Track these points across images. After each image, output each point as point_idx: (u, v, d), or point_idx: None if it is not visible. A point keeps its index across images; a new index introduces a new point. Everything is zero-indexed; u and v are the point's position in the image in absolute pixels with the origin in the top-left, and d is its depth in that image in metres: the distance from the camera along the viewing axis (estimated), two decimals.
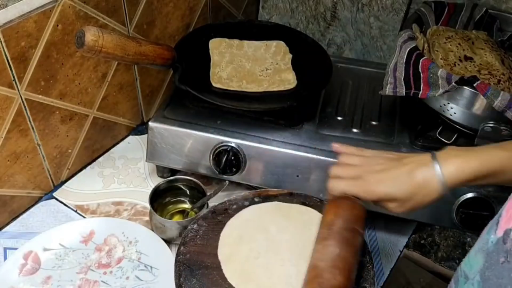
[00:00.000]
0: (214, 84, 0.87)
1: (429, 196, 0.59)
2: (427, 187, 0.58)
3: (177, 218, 0.86)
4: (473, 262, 0.47)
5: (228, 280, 0.67)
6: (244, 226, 0.75)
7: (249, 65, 0.92)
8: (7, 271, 0.74)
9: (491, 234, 0.45)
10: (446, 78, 0.72)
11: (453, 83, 0.71)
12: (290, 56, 0.95)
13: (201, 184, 0.84)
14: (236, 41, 0.97)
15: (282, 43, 0.98)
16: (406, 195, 0.59)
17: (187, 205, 0.88)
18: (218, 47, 0.95)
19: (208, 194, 0.82)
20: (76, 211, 0.87)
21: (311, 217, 0.77)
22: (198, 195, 0.85)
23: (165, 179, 0.86)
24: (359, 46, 1.20)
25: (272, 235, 0.74)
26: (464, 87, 0.72)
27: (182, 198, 0.89)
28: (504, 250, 0.42)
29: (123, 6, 0.88)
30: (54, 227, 0.81)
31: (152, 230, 0.82)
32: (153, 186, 0.84)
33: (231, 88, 0.86)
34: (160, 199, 0.86)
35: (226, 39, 0.97)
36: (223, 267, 0.69)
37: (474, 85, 0.71)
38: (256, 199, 0.79)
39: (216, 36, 0.98)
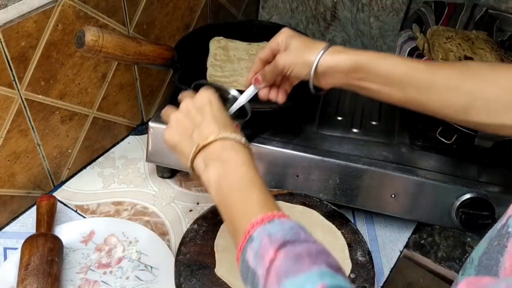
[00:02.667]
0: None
1: (306, 66, 0.65)
2: (308, 58, 0.65)
3: None
4: (479, 248, 0.48)
5: (216, 273, 0.68)
6: None
7: (248, 66, 0.92)
8: (7, 271, 0.74)
9: (499, 222, 0.46)
10: None
11: None
12: None
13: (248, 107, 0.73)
14: (236, 41, 0.97)
15: None
16: (297, 52, 0.67)
17: None
18: (218, 47, 0.95)
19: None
20: (76, 211, 0.87)
21: (311, 218, 0.77)
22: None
23: (210, 83, 0.80)
24: (359, 46, 1.20)
25: None
26: None
27: None
28: (500, 234, 0.43)
29: (123, 6, 0.88)
30: (54, 227, 0.81)
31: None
32: (153, 186, 0.83)
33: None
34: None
35: (226, 39, 0.97)
36: (216, 257, 0.70)
37: None
38: None
39: (216, 36, 0.98)
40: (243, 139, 0.58)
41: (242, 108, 0.72)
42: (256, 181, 0.54)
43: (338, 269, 0.43)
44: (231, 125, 0.60)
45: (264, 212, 0.49)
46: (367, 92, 0.65)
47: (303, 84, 0.85)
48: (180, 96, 0.65)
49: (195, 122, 0.59)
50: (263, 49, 0.71)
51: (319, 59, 0.64)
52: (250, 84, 0.71)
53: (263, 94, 0.72)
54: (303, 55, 0.66)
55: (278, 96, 0.72)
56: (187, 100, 0.62)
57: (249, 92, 0.71)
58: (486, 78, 0.58)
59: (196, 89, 0.66)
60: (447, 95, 0.59)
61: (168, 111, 0.63)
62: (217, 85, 0.76)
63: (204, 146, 0.56)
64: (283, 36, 0.69)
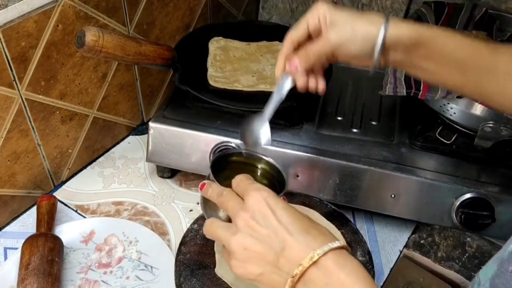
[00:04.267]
0: (212, 84, 0.87)
1: (366, 40, 0.56)
2: (367, 32, 0.56)
3: None
4: (488, 269, 0.46)
5: (217, 273, 0.68)
6: None
7: (248, 66, 0.92)
8: (7, 271, 0.74)
9: (510, 244, 0.44)
10: None
11: (455, 96, 0.71)
12: None
13: (282, 171, 0.62)
14: (235, 41, 0.98)
15: (282, 43, 0.98)
16: (348, 24, 0.57)
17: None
18: (217, 48, 0.95)
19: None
20: (76, 211, 0.87)
21: (311, 218, 0.77)
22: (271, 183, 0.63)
23: (241, 150, 0.65)
24: None
25: None
26: None
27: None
28: None
29: (123, 6, 0.88)
30: (55, 227, 0.81)
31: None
32: (153, 186, 0.82)
33: (229, 88, 0.86)
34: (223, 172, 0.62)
35: (225, 39, 0.97)
36: (216, 257, 0.70)
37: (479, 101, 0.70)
38: None
39: (216, 36, 0.98)
40: (338, 242, 0.45)
41: (276, 171, 0.58)
42: None
43: None
44: (314, 227, 0.47)
45: None
46: (424, 73, 0.58)
47: None
48: (210, 194, 0.51)
49: (271, 244, 0.45)
50: (295, 27, 0.60)
51: (385, 32, 0.55)
52: (282, 74, 0.60)
53: (302, 83, 0.60)
54: (362, 29, 0.56)
55: (319, 84, 0.62)
56: (240, 213, 0.47)
57: (286, 85, 0.60)
58: None
59: (218, 164, 0.55)
60: (505, 82, 0.54)
61: (222, 232, 0.48)
62: (244, 153, 0.62)
63: (300, 276, 0.44)
64: (323, 10, 0.58)
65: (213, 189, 0.52)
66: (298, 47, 0.60)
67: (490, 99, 0.57)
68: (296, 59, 0.58)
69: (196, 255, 0.71)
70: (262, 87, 0.87)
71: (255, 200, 0.47)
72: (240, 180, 0.50)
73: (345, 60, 0.60)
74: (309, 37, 0.60)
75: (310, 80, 0.60)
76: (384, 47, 0.56)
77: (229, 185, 0.53)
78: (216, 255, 0.71)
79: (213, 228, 0.50)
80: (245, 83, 0.88)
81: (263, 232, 0.46)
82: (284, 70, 0.60)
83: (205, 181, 0.54)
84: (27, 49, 0.74)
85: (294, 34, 0.60)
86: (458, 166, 0.81)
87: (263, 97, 0.86)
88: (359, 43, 0.56)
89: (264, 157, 0.62)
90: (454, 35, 0.56)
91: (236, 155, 0.63)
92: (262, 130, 0.62)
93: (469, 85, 0.57)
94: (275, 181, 0.62)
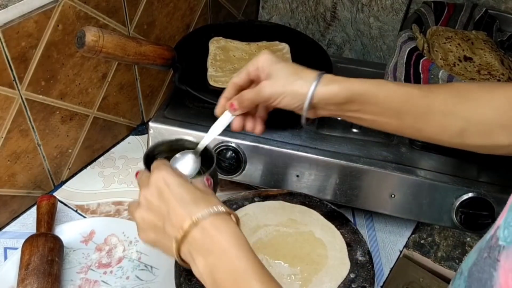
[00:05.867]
0: (212, 84, 0.87)
1: (297, 97, 0.59)
2: (300, 87, 0.59)
3: None
4: (469, 259, 0.48)
5: None
6: (246, 220, 0.75)
7: None
8: (7, 271, 0.74)
9: (488, 233, 0.46)
10: (447, 80, 0.72)
11: None
12: (290, 56, 0.95)
13: (212, 151, 0.68)
14: (235, 42, 0.98)
15: (282, 43, 0.98)
16: (284, 80, 0.60)
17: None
18: (217, 47, 0.95)
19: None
20: (76, 211, 0.87)
21: (311, 218, 0.78)
22: (206, 163, 0.69)
23: (164, 140, 0.69)
24: (359, 46, 1.20)
25: (272, 232, 0.74)
26: None
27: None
28: (489, 246, 0.43)
29: (124, 6, 0.88)
30: (55, 227, 0.81)
31: None
32: None
33: None
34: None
35: (225, 39, 0.97)
36: None
37: None
38: (256, 199, 0.79)
39: (216, 36, 0.98)
40: (220, 207, 0.51)
41: (206, 151, 0.65)
42: (251, 269, 0.48)
43: None
44: (202, 197, 0.52)
45: None
46: (360, 122, 0.61)
47: None
48: (138, 178, 0.58)
49: (161, 214, 0.52)
50: (238, 73, 0.63)
51: (313, 91, 0.58)
52: (222, 112, 0.64)
53: (237, 124, 0.64)
54: (293, 86, 0.59)
55: (256, 127, 0.65)
56: (143, 191, 0.54)
57: (223, 121, 0.64)
58: (479, 100, 0.57)
59: (149, 162, 0.59)
60: (443, 121, 0.57)
61: (131, 208, 0.56)
62: (167, 141, 0.68)
63: (182, 238, 0.50)
64: (265, 61, 0.61)
65: (140, 174, 0.59)
66: (239, 91, 0.63)
67: (430, 138, 0.60)
68: (234, 101, 0.62)
69: None
70: None
71: (154, 178, 0.54)
72: (154, 164, 0.56)
73: (279, 107, 0.63)
74: (251, 82, 0.63)
75: (247, 122, 0.64)
76: (312, 105, 0.59)
77: None
78: None
79: (129, 208, 0.58)
80: (216, 110, 0.87)
81: (156, 204, 0.52)
82: (223, 111, 0.64)
83: (140, 170, 0.61)
84: (27, 49, 0.74)
85: (236, 79, 0.63)
86: (458, 166, 0.81)
87: None
88: (289, 98, 0.60)
89: (184, 137, 0.68)
90: (385, 84, 0.59)
91: (169, 143, 0.68)
92: (192, 162, 0.66)
93: (407, 127, 0.60)
94: (207, 160, 0.67)
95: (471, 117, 0.57)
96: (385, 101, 0.58)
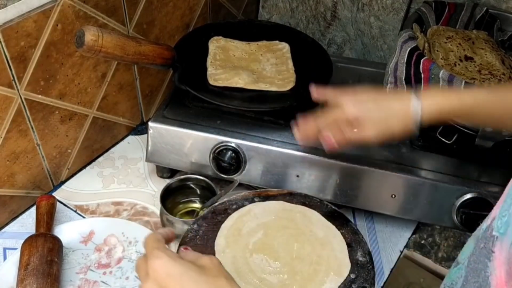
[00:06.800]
0: (212, 83, 0.87)
1: (403, 122, 0.62)
2: (402, 113, 0.62)
3: (187, 218, 0.86)
4: (465, 249, 0.48)
5: None
6: (246, 221, 0.75)
7: (248, 65, 0.92)
8: (7, 271, 0.74)
9: (485, 222, 0.46)
10: (448, 80, 0.72)
11: None
12: (290, 56, 0.95)
13: (212, 184, 0.83)
14: (235, 41, 0.97)
15: (282, 43, 0.98)
16: (381, 116, 0.63)
17: (197, 205, 0.88)
18: (217, 47, 0.95)
19: (217, 193, 0.82)
20: (75, 211, 0.87)
21: (311, 218, 0.77)
22: (208, 195, 0.84)
23: (176, 178, 0.85)
24: (359, 46, 1.20)
25: (272, 232, 0.74)
26: None
27: (193, 198, 0.88)
28: (485, 236, 0.43)
29: (123, 5, 0.88)
30: (54, 227, 0.81)
31: (163, 227, 0.82)
32: (153, 186, 0.83)
33: (230, 85, 0.86)
34: (171, 198, 0.85)
35: (225, 39, 0.97)
36: (216, 257, 0.69)
37: None
38: (256, 199, 0.79)
39: (216, 36, 0.97)
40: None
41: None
42: None
43: None
44: (208, 282, 0.48)
45: None
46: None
47: (303, 83, 0.85)
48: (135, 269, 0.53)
49: None
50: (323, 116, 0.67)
51: (420, 119, 0.62)
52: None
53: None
54: (395, 122, 0.63)
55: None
56: (144, 285, 0.49)
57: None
58: None
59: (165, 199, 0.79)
60: None
61: None
62: (177, 179, 0.85)
63: None
64: (351, 113, 0.64)
65: (137, 261, 0.53)
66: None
67: None
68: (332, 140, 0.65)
69: None
70: (262, 86, 0.87)
71: (152, 271, 0.49)
72: (145, 242, 0.52)
73: None
74: None
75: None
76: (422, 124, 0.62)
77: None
78: (216, 255, 0.71)
79: None
80: (246, 79, 0.87)
81: None
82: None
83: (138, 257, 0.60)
84: (27, 49, 0.74)
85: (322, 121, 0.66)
86: (458, 166, 0.81)
87: (262, 98, 0.86)
88: (396, 126, 0.63)
89: (198, 177, 0.85)
90: (489, 95, 0.62)
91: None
92: None
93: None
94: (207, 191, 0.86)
95: None
96: (486, 116, 0.63)
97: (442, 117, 0.63)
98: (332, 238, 0.75)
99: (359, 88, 0.67)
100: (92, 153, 0.97)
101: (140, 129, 1.06)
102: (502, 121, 0.64)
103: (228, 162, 0.82)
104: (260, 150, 0.82)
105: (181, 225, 0.79)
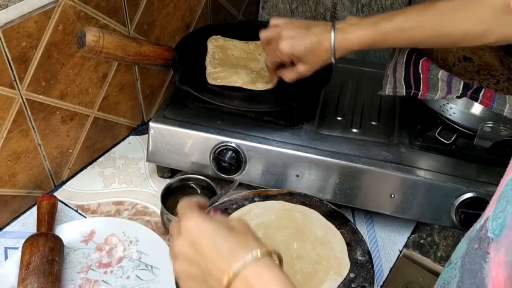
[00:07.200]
0: (211, 82, 0.87)
1: (322, 55, 0.75)
2: (321, 47, 0.74)
3: None
4: (458, 248, 0.48)
5: None
6: (246, 220, 0.75)
7: (247, 64, 0.92)
8: (8, 271, 0.74)
9: (478, 223, 0.46)
10: (447, 80, 0.72)
11: (454, 96, 0.71)
12: None
13: (213, 184, 0.84)
14: (234, 40, 0.98)
15: None
16: (307, 51, 0.75)
17: None
18: (215, 46, 0.95)
19: (218, 193, 0.82)
20: (76, 211, 0.87)
21: (311, 218, 0.78)
22: (209, 195, 0.85)
23: (177, 178, 0.86)
24: None
25: (272, 231, 0.74)
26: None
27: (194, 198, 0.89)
28: (479, 237, 0.43)
29: (124, 6, 0.88)
30: (55, 226, 0.81)
31: (164, 227, 0.83)
32: (153, 186, 0.84)
33: (228, 84, 0.86)
34: (171, 198, 0.85)
35: (223, 38, 0.97)
36: None
37: (478, 102, 0.70)
38: (256, 199, 0.79)
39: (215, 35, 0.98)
40: (259, 251, 0.48)
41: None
42: None
43: None
44: (239, 242, 0.49)
45: None
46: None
47: (303, 83, 0.86)
48: (170, 231, 0.57)
49: (200, 266, 0.50)
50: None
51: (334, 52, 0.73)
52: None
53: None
54: (318, 55, 0.75)
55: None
56: (176, 241, 0.52)
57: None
58: None
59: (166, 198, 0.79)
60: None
61: (171, 255, 0.54)
62: (178, 179, 0.85)
63: None
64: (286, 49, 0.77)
65: (172, 223, 0.58)
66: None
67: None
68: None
69: None
70: (260, 86, 0.87)
71: (185, 228, 0.51)
72: (179, 206, 0.55)
73: None
74: None
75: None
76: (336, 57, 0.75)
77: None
78: None
79: (170, 254, 0.55)
80: (244, 77, 0.87)
81: (193, 257, 0.50)
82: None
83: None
84: (28, 49, 0.74)
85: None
86: (457, 166, 0.81)
87: (262, 97, 0.87)
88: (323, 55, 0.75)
89: (198, 177, 0.86)
90: (400, 24, 0.71)
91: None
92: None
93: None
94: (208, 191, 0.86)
95: None
96: (403, 43, 0.76)
97: (356, 48, 0.73)
98: (331, 237, 0.75)
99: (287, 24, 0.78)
100: (93, 153, 0.98)
101: (141, 129, 1.06)
102: (431, 41, 0.72)
103: (228, 162, 0.83)
104: (260, 150, 0.83)
105: None
